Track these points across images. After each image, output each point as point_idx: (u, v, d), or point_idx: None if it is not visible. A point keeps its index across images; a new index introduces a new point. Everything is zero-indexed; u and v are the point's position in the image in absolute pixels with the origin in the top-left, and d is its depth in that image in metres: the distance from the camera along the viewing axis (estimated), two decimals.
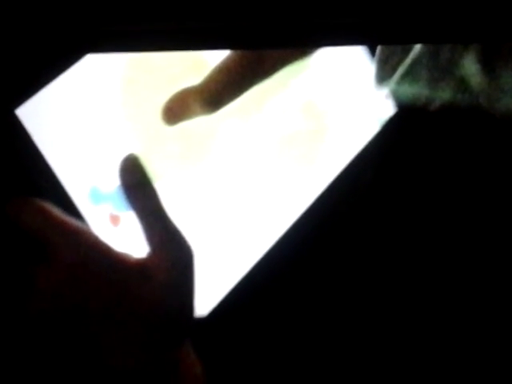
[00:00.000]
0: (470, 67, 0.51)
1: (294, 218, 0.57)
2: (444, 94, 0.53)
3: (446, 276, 0.59)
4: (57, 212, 0.46)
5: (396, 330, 0.58)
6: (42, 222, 0.46)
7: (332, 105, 0.61)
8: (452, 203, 0.60)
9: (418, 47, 0.52)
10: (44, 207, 0.46)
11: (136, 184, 0.48)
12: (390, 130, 0.62)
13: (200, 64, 0.53)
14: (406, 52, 0.53)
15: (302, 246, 0.58)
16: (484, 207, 0.59)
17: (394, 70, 0.54)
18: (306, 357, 0.58)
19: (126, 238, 0.50)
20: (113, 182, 0.50)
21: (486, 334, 0.56)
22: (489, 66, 0.51)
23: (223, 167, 0.55)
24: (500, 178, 0.58)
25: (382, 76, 0.54)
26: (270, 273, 0.56)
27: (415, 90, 0.54)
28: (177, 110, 0.49)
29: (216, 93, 0.48)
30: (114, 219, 0.51)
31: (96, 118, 0.50)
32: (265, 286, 0.56)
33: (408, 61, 0.53)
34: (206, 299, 0.53)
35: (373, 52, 0.59)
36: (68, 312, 0.46)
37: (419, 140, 0.61)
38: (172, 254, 0.48)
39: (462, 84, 0.52)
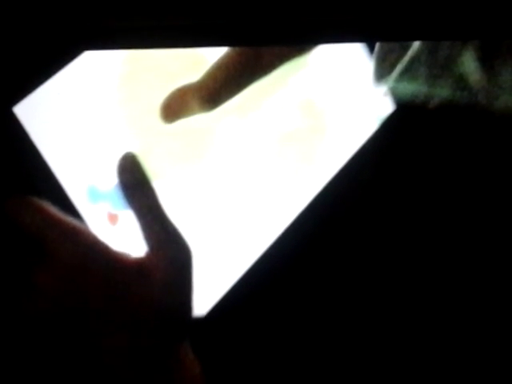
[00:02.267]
0: (469, 64, 0.51)
1: (293, 217, 0.57)
2: (443, 92, 0.53)
3: (446, 273, 0.59)
4: (55, 211, 0.46)
5: (395, 329, 0.58)
6: (40, 220, 0.46)
7: (331, 102, 0.61)
8: (451, 200, 0.60)
9: (416, 44, 0.52)
10: (42, 206, 0.46)
11: (134, 183, 0.48)
12: (389, 127, 0.62)
13: (198, 61, 0.53)
14: (405, 49, 0.53)
15: (300, 245, 0.58)
16: (483, 204, 0.59)
17: (392, 67, 0.53)
18: (305, 356, 0.58)
19: (124, 236, 0.50)
20: (111, 180, 0.50)
21: (485, 334, 0.56)
22: (487, 63, 0.50)
23: (222, 165, 0.55)
24: (499, 175, 0.58)
25: (381, 73, 0.54)
26: (268, 272, 0.56)
27: (414, 88, 0.54)
28: (175, 107, 0.49)
29: (214, 90, 0.48)
30: (112, 218, 0.51)
31: (94, 115, 0.50)
32: (263, 286, 0.56)
33: (406, 58, 0.53)
34: (204, 299, 0.52)
35: (371, 49, 0.59)
36: (66, 311, 0.45)
37: (418, 137, 0.61)
38: (170, 253, 0.48)
39: (461, 81, 0.52)
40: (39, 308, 0.45)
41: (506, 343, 0.55)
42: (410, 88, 0.54)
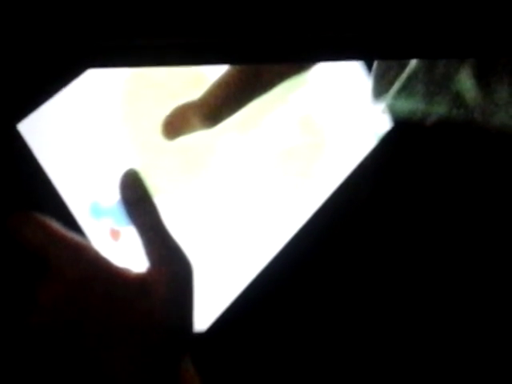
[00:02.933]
0: (465, 82, 0.51)
1: (293, 232, 0.57)
2: (440, 109, 0.53)
3: (443, 288, 0.59)
4: (57, 226, 0.47)
5: (394, 350, 0.58)
6: (43, 236, 0.46)
7: (329, 119, 0.61)
8: (449, 216, 0.60)
9: (413, 62, 0.52)
10: (45, 222, 0.46)
11: (136, 199, 0.48)
12: (387, 144, 0.62)
13: (199, 79, 0.53)
14: (402, 67, 0.53)
15: (300, 260, 0.58)
16: (480, 219, 0.59)
17: (390, 84, 0.54)
18: (306, 371, 0.58)
19: (127, 252, 0.51)
20: (113, 196, 0.50)
21: (486, 339, 0.56)
22: (483, 80, 0.51)
23: (222, 181, 0.55)
24: (495, 190, 0.59)
25: (379, 91, 0.54)
26: (268, 287, 0.56)
27: (411, 105, 0.54)
28: (176, 124, 0.49)
29: (215, 107, 0.48)
30: (115, 234, 0.51)
31: (97, 132, 0.50)
32: (263, 301, 0.56)
33: (404, 76, 0.53)
34: (205, 314, 0.53)
35: (369, 67, 0.59)
36: (68, 326, 0.45)
37: (416, 154, 0.61)
38: (171, 268, 0.48)
39: (458, 99, 0.52)
40: (41, 322, 0.45)
41: (506, 344, 0.55)
42: (407, 105, 0.54)
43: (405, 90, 0.53)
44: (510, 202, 0.59)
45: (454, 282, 0.59)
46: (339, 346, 0.59)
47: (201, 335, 0.52)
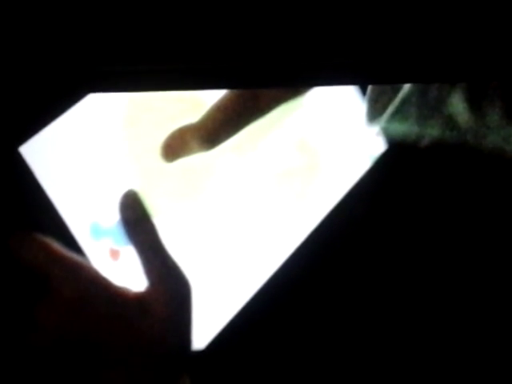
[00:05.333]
0: (458, 105, 0.51)
1: (290, 252, 0.58)
2: (433, 131, 0.53)
3: (440, 311, 0.59)
4: (58, 247, 0.47)
5: (392, 371, 0.58)
6: (44, 256, 0.47)
7: (325, 142, 0.61)
8: (444, 236, 0.60)
9: (407, 86, 0.53)
10: (45, 242, 0.47)
11: (135, 219, 0.49)
12: (382, 165, 0.63)
13: (198, 103, 0.54)
14: (396, 91, 0.53)
15: (297, 279, 0.58)
16: (474, 239, 0.59)
17: (384, 108, 0.54)
18: None
19: (126, 271, 0.51)
20: (113, 217, 0.51)
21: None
22: (475, 104, 0.51)
23: (220, 202, 0.56)
24: (488, 210, 0.59)
25: (373, 114, 0.55)
26: (266, 306, 0.56)
27: (405, 128, 0.54)
28: (175, 147, 0.49)
29: (213, 130, 0.48)
30: (114, 253, 0.51)
31: (97, 155, 0.51)
32: (261, 320, 0.56)
33: (398, 99, 0.53)
34: (203, 333, 0.53)
35: (364, 91, 0.60)
36: (67, 345, 0.46)
37: (410, 175, 0.62)
38: (170, 287, 0.48)
39: (450, 122, 0.52)
40: (41, 342, 0.46)
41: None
42: (401, 128, 0.54)
43: (398, 113, 0.53)
44: (504, 222, 0.59)
45: (449, 303, 0.59)
46: (338, 364, 0.59)
47: (199, 353, 0.52)
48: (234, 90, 0.49)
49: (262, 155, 0.58)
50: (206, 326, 0.53)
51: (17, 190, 0.48)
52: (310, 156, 0.60)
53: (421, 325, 0.59)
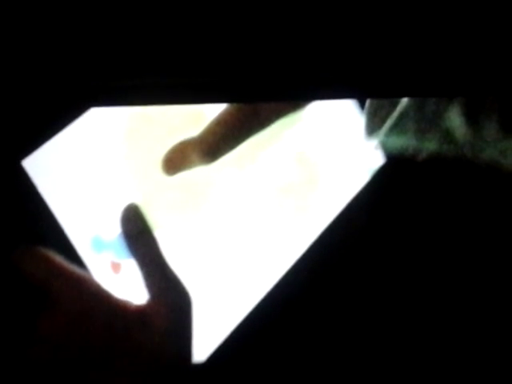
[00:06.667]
0: (455, 119, 0.52)
1: (290, 264, 0.58)
2: (430, 145, 0.53)
3: (443, 316, 0.59)
4: (59, 260, 0.47)
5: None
6: (45, 269, 0.47)
7: (324, 155, 0.62)
8: (441, 248, 0.61)
9: (405, 101, 0.53)
10: (47, 255, 0.47)
11: (136, 232, 0.49)
12: (380, 179, 0.63)
13: (198, 117, 0.54)
14: (394, 105, 0.53)
15: (297, 291, 0.58)
16: (472, 251, 0.60)
17: (382, 122, 0.54)
18: None
19: (127, 284, 0.51)
20: (114, 230, 0.51)
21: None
22: (472, 118, 0.51)
23: (220, 215, 0.56)
24: (485, 222, 0.59)
25: (372, 128, 0.55)
26: (266, 318, 0.56)
27: (403, 141, 0.54)
28: (176, 160, 0.49)
29: (214, 144, 0.48)
30: (115, 267, 0.51)
31: (99, 168, 0.51)
32: (262, 332, 0.56)
33: (396, 113, 0.53)
34: (204, 345, 0.53)
35: (362, 105, 0.60)
36: (68, 357, 0.46)
37: (408, 188, 0.62)
38: (171, 300, 0.48)
39: (448, 135, 0.52)
40: (42, 354, 0.46)
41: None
42: (399, 142, 0.54)
43: (396, 127, 0.53)
44: (501, 235, 0.60)
45: (447, 313, 0.59)
46: (339, 377, 0.59)
47: (200, 366, 0.52)
48: (235, 104, 0.49)
49: (262, 168, 0.58)
50: (206, 339, 0.53)
51: (19, 203, 0.48)
52: (309, 169, 0.61)
53: (418, 335, 0.59)
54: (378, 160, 0.64)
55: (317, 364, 0.58)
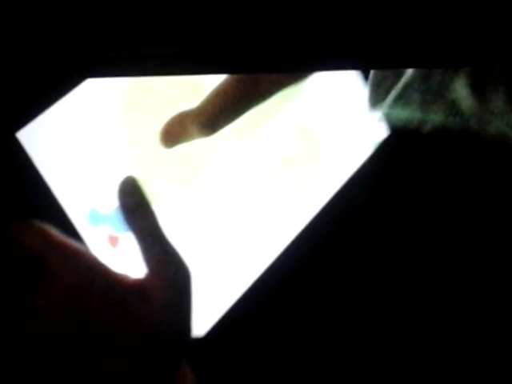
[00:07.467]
0: (461, 91, 0.51)
1: (290, 239, 0.58)
2: (436, 117, 0.53)
3: (443, 294, 0.59)
4: (56, 233, 0.47)
5: (395, 355, 0.58)
6: (42, 243, 0.46)
7: (326, 128, 0.61)
8: (446, 223, 0.60)
9: (409, 71, 0.53)
10: (43, 229, 0.47)
11: (134, 205, 0.48)
12: (384, 151, 0.63)
13: (197, 88, 0.54)
14: (399, 76, 0.53)
15: (298, 266, 0.58)
16: (477, 226, 0.59)
17: (386, 93, 0.54)
18: (304, 376, 0.58)
19: (125, 258, 0.51)
20: (112, 203, 0.50)
21: (487, 346, 0.56)
22: (479, 89, 0.51)
23: (220, 188, 0.56)
24: (491, 197, 0.59)
25: (375, 100, 0.55)
26: (266, 293, 0.56)
27: (408, 113, 0.54)
28: (175, 132, 0.49)
29: (213, 116, 0.48)
30: (113, 240, 0.51)
31: (95, 140, 0.51)
32: (261, 307, 0.56)
33: (400, 85, 0.53)
34: (203, 319, 0.53)
35: (366, 76, 0.60)
36: (67, 331, 0.46)
37: (412, 162, 0.62)
38: (169, 274, 0.48)
39: (453, 107, 0.52)
40: (40, 328, 0.46)
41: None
42: (403, 114, 0.54)
43: (401, 98, 0.53)
44: (507, 209, 0.59)
45: (453, 289, 0.59)
46: (338, 350, 0.59)
47: (199, 340, 0.52)
48: (234, 75, 0.49)
49: (263, 141, 0.58)
50: (206, 313, 0.53)
51: (14, 176, 0.48)
52: (311, 142, 0.60)
53: (420, 315, 0.59)
54: (381, 132, 0.63)
55: (317, 339, 0.58)
